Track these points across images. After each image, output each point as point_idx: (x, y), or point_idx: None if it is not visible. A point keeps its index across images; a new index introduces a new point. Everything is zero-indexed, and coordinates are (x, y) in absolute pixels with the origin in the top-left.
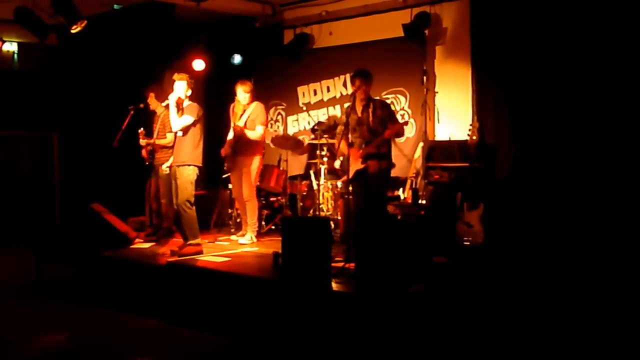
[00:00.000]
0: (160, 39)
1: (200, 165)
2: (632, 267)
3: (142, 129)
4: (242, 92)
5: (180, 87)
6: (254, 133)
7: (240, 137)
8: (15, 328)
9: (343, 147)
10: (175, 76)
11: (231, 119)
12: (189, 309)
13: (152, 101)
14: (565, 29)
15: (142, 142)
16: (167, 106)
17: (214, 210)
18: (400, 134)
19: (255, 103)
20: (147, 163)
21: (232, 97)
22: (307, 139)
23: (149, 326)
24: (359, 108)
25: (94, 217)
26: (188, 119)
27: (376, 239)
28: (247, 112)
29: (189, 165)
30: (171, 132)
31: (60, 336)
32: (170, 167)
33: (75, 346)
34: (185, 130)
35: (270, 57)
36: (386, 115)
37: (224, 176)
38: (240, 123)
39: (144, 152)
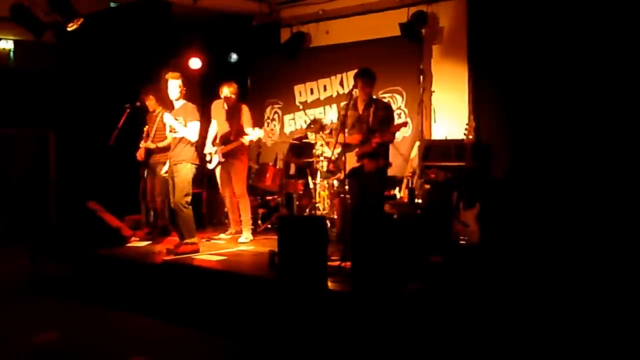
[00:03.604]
0: (157, 37)
1: (198, 163)
2: (629, 265)
3: (147, 127)
4: (228, 93)
5: (174, 86)
6: (250, 137)
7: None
8: (10, 326)
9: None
10: (168, 75)
11: (215, 117)
12: (185, 308)
13: (151, 103)
14: (562, 28)
15: (144, 144)
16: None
17: (211, 209)
18: (390, 140)
19: (241, 107)
20: (140, 160)
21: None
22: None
23: (145, 325)
24: (360, 105)
25: (90, 215)
26: (196, 125)
27: (372, 238)
28: (234, 117)
29: (187, 163)
30: (171, 132)
31: (56, 334)
32: (167, 170)
33: (70, 345)
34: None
35: (267, 56)
36: (385, 116)
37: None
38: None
39: (140, 153)
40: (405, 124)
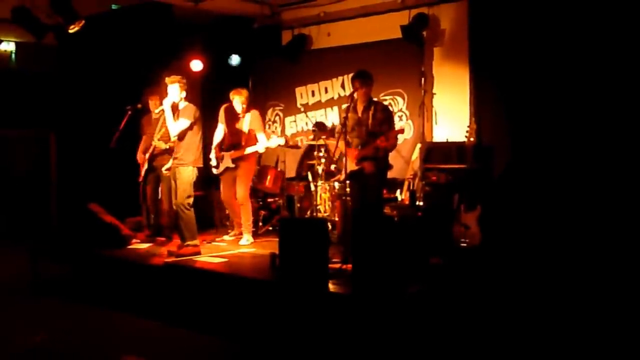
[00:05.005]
0: (158, 40)
1: (201, 166)
2: (630, 267)
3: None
4: (239, 103)
5: (174, 90)
6: (260, 145)
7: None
8: (10, 326)
9: (341, 146)
10: (167, 79)
11: (223, 121)
12: (186, 310)
13: (156, 105)
14: (563, 30)
15: (156, 141)
16: (162, 111)
17: (213, 211)
18: (394, 146)
19: (251, 112)
20: (143, 167)
21: (229, 98)
22: (304, 140)
23: (146, 326)
24: (359, 108)
25: (91, 217)
26: (185, 123)
27: (373, 241)
28: (245, 123)
29: (189, 166)
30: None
31: (55, 335)
32: (170, 167)
33: (70, 345)
34: (182, 134)
35: (268, 58)
36: (384, 118)
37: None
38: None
39: (141, 156)
40: (401, 131)
